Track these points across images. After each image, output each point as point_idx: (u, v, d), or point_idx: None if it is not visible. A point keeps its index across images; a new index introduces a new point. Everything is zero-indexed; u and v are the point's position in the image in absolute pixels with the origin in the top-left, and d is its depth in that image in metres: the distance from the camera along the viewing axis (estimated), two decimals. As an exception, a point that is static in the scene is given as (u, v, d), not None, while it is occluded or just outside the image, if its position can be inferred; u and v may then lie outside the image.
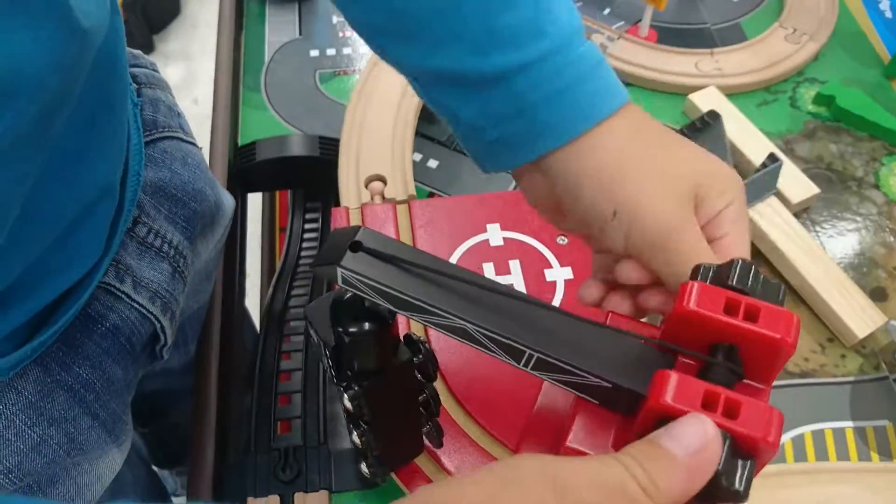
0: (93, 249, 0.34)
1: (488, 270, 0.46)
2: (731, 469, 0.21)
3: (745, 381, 0.24)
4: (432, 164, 0.63)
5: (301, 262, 0.66)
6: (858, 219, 0.60)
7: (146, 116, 0.43)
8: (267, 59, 0.70)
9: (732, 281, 0.24)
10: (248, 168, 0.60)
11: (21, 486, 0.35)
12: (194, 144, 0.47)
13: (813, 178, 0.60)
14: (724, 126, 0.59)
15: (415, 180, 0.61)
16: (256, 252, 0.79)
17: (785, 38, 0.70)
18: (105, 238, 0.35)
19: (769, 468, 0.44)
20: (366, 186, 0.50)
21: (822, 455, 0.48)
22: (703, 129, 0.61)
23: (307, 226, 0.69)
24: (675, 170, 0.30)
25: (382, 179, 0.50)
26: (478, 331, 0.25)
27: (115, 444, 0.40)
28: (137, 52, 0.46)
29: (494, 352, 0.25)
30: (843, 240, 0.59)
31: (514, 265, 0.46)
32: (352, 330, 0.26)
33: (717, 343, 0.24)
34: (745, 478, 0.21)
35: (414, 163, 0.62)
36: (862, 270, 0.57)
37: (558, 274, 0.45)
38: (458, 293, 0.25)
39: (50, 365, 0.35)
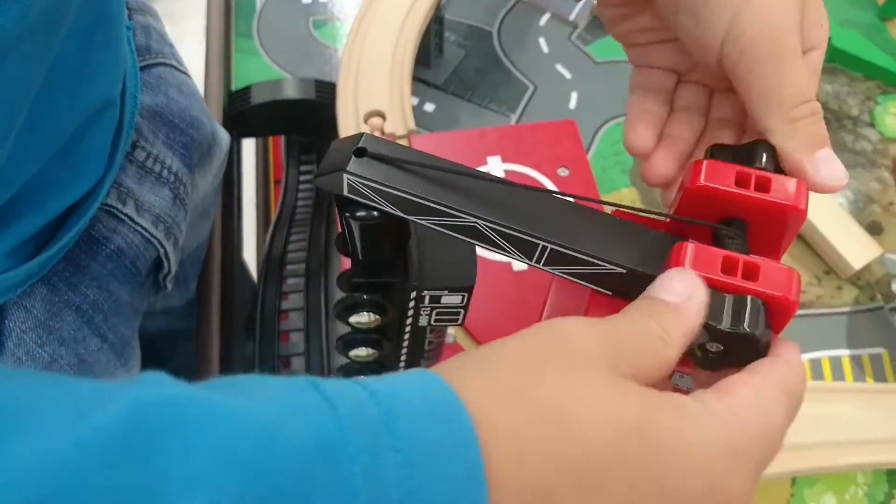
0: (95, 165, 0.34)
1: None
2: (741, 318, 0.22)
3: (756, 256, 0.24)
4: (429, 107, 0.62)
5: (298, 209, 0.66)
6: (854, 156, 0.60)
7: (139, 42, 0.42)
8: (259, 5, 0.69)
9: (752, 161, 0.24)
10: (243, 112, 0.59)
11: None
12: (187, 74, 0.46)
13: (809, 117, 0.60)
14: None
15: (412, 124, 0.61)
16: (251, 205, 0.78)
17: (780, -20, 0.70)
18: (107, 154, 0.35)
19: None
20: (365, 122, 0.49)
21: (819, 381, 0.49)
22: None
23: (303, 177, 0.69)
24: None
25: (382, 115, 0.50)
26: (489, 227, 0.25)
27: (125, 368, 0.40)
28: None
29: (506, 250, 0.25)
30: (839, 177, 0.59)
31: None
32: (359, 214, 0.26)
33: (728, 218, 0.24)
34: (754, 319, 0.21)
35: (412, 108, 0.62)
36: (858, 206, 0.58)
37: (560, 204, 0.46)
38: (466, 191, 0.25)
39: (57, 284, 0.35)
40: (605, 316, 0.25)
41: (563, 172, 0.47)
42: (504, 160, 0.48)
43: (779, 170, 0.25)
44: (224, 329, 0.51)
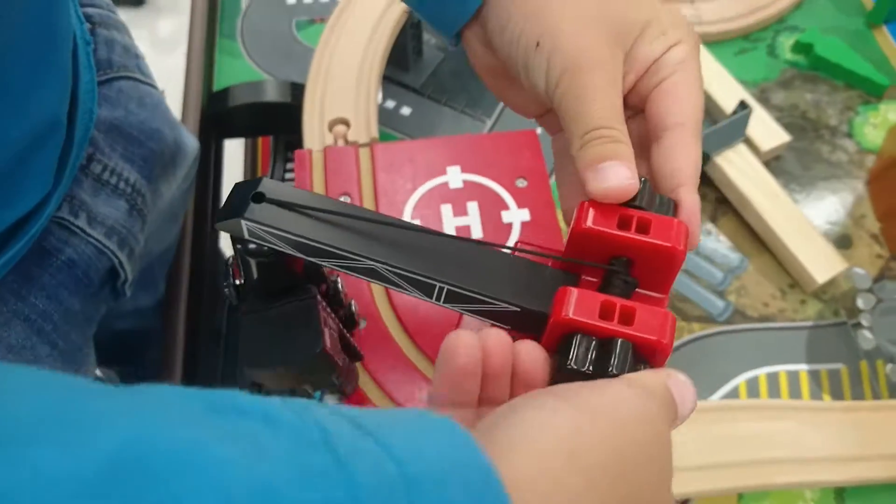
0: (40, 184, 0.35)
1: (446, 212, 0.46)
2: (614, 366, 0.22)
3: (644, 291, 0.25)
4: (405, 111, 0.63)
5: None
6: (829, 167, 0.60)
7: (100, 56, 0.43)
8: (244, 6, 0.70)
9: (637, 200, 0.25)
10: (221, 113, 0.60)
11: None
12: (152, 86, 0.47)
13: (786, 126, 0.60)
14: (696, 73, 0.59)
15: (388, 128, 0.62)
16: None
17: (767, -15, 0.69)
18: (53, 172, 0.36)
19: (713, 403, 0.46)
20: (329, 129, 0.50)
21: (775, 396, 0.49)
22: (676, 76, 0.60)
23: (287, 175, 0.70)
24: (607, 8, 0.28)
25: (346, 122, 0.51)
26: (387, 269, 0.25)
27: (77, 373, 0.41)
28: None
29: (406, 289, 0.26)
30: (813, 188, 0.59)
31: (472, 207, 0.46)
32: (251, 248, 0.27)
33: (614, 257, 0.25)
34: (622, 362, 0.22)
35: (387, 110, 0.63)
36: (829, 218, 0.57)
37: (515, 216, 0.46)
38: (364, 234, 0.25)
39: (5, 296, 0.36)
40: None
41: (521, 183, 0.48)
42: (463, 170, 0.48)
43: (662, 205, 0.25)
44: (190, 333, 0.52)
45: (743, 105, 0.57)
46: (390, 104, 0.63)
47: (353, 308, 0.38)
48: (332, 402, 0.36)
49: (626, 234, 0.24)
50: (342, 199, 0.48)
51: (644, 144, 0.29)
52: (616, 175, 0.25)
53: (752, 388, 0.49)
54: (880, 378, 0.50)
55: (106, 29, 0.44)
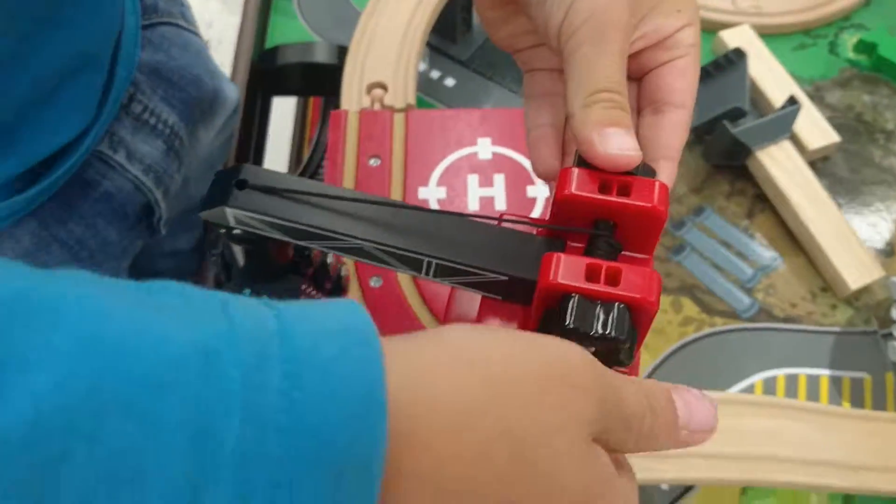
0: (81, 114, 0.37)
1: (472, 182, 0.47)
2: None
3: (629, 253, 0.25)
4: (449, 82, 0.63)
5: (320, 167, 0.68)
6: (878, 172, 0.58)
7: (147, 2, 0.45)
8: (303, -33, 0.71)
9: None
10: (270, 71, 0.62)
11: None
12: (195, 34, 0.49)
13: (838, 127, 0.58)
14: (747, 65, 0.58)
15: (430, 97, 0.62)
16: (284, 161, 0.82)
17: (836, -20, 0.66)
18: (95, 106, 0.38)
19: (722, 395, 0.45)
20: (367, 92, 0.51)
21: (791, 398, 0.48)
22: (727, 67, 0.59)
23: (331, 137, 0.72)
24: None
25: (384, 87, 0.51)
26: (374, 247, 0.25)
27: None
28: None
29: (395, 266, 0.26)
30: (859, 193, 0.57)
31: (499, 179, 0.47)
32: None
33: (598, 221, 0.25)
34: (620, 324, 0.22)
35: (431, 80, 0.63)
36: (874, 225, 0.56)
37: (540, 191, 0.46)
38: (350, 215, 0.26)
39: (47, 220, 0.39)
40: (495, 316, 0.26)
41: (550, 160, 0.48)
42: (494, 143, 0.48)
43: (647, 171, 0.25)
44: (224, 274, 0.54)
45: (792, 101, 0.55)
46: (435, 74, 0.63)
47: (342, 273, 0.38)
48: None
49: (609, 198, 0.24)
50: (372, 161, 0.49)
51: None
52: (622, 144, 0.25)
53: (769, 389, 0.48)
54: (906, 392, 0.49)
55: None
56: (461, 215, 0.26)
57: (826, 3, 0.65)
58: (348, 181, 0.48)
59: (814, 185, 0.54)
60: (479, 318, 0.27)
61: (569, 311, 0.23)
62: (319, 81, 0.64)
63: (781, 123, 0.55)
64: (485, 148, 0.48)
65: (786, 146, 0.55)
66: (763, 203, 0.56)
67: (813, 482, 0.42)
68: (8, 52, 0.32)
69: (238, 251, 0.28)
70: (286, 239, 0.26)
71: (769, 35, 0.64)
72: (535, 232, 0.27)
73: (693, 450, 0.41)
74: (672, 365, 0.49)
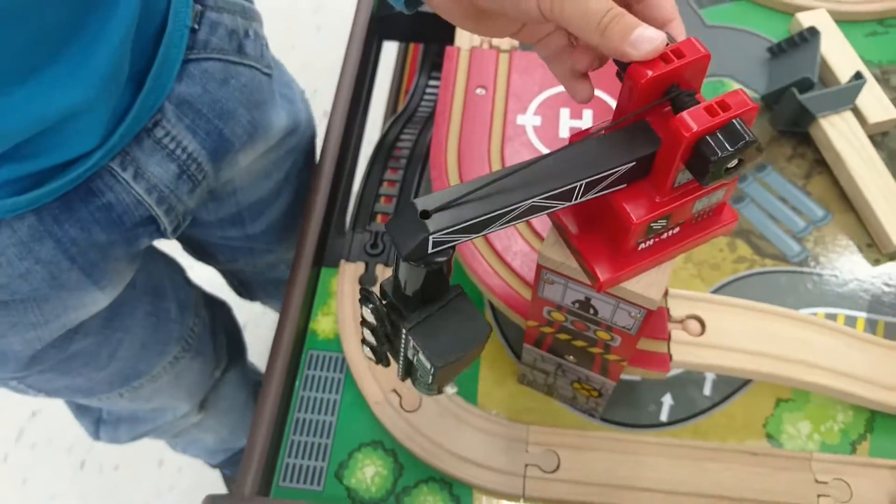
0: (94, 135, 0.42)
1: (564, 114, 0.54)
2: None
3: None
4: (544, 39, 0.71)
5: (417, 111, 0.76)
6: (934, 150, 0.63)
7: (200, 37, 0.48)
8: (420, -69, 0.79)
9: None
10: (386, 17, 0.70)
11: (13, 299, 0.45)
12: (249, 66, 0.52)
13: (900, 107, 0.63)
14: (819, 42, 0.63)
15: (528, 48, 0.69)
16: (382, 104, 0.90)
17: (913, -24, 0.71)
18: (109, 128, 0.42)
19: (754, 304, 0.51)
20: (478, 33, 0.59)
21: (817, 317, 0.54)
22: (800, 43, 0.65)
23: (430, 83, 0.80)
24: None
25: (493, 29, 0.59)
26: (540, 199, 0.30)
27: (96, 285, 0.48)
28: None
29: (553, 206, 0.31)
30: (912, 166, 0.62)
31: (587, 113, 0.54)
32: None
33: (669, 88, 0.31)
34: (748, 132, 0.28)
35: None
36: (922, 195, 0.61)
37: (623, 126, 0.53)
38: (510, 188, 0.30)
39: (45, 217, 0.43)
40: (639, 203, 0.32)
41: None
42: (586, 83, 0.55)
43: (669, 39, 0.31)
44: (335, 187, 0.62)
45: (858, 75, 0.61)
46: (531, 32, 0.71)
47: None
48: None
49: (677, 64, 0.30)
50: (478, 91, 0.56)
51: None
52: (650, 38, 0.30)
53: (809, 323, 0.54)
54: (936, 339, 0.54)
55: (216, 12, 0.49)
56: (572, 142, 0.32)
57: (901, -4, 0.70)
58: (457, 106, 0.56)
59: (870, 151, 0.59)
60: (621, 206, 0.32)
61: (717, 144, 0.28)
62: (428, 28, 0.72)
63: (846, 95, 0.61)
64: (577, 86, 0.55)
65: (847, 116, 0.61)
66: (821, 167, 0.62)
67: (839, 387, 0.48)
68: (38, 90, 0.36)
69: (420, 276, 0.31)
70: (473, 237, 0.30)
71: (843, 21, 0.69)
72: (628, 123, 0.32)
73: (735, 346, 0.47)
74: (723, 295, 0.55)
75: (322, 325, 0.57)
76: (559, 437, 0.50)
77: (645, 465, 0.49)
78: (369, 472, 0.51)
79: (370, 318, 0.34)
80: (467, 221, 0.29)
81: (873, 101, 0.62)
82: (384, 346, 0.36)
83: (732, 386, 0.53)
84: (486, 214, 0.29)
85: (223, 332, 0.79)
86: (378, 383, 0.52)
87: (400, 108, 0.81)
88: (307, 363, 0.55)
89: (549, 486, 0.48)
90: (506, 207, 0.30)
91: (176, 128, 0.47)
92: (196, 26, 0.47)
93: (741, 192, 0.61)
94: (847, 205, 0.60)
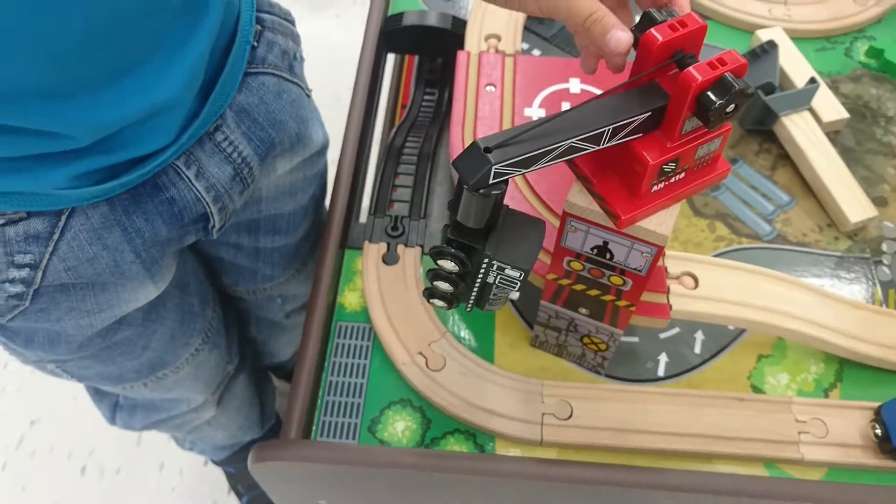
0: (164, 135, 0.46)
1: (565, 107, 0.61)
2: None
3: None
4: (536, 52, 0.79)
5: (418, 119, 0.83)
6: (879, 145, 0.72)
7: (258, 53, 0.53)
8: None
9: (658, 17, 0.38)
10: (393, 31, 0.77)
11: (77, 283, 0.48)
12: (297, 84, 0.58)
13: (848, 110, 0.72)
14: (778, 53, 0.72)
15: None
16: (381, 114, 0.97)
17: (853, 1, 0.81)
18: (174, 134, 0.47)
19: (740, 264, 0.58)
20: (485, 40, 0.66)
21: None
22: (761, 55, 0.74)
23: (426, 96, 0.87)
24: None
25: (498, 37, 0.66)
26: (578, 141, 0.36)
27: (152, 280, 0.53)
28: (276, 3, 0.56)
29: (586, 148, 0.37)
30: (862, 159, 0.71)
31: (585, 107, 0.61)
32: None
33: (674, 53, 0.38)
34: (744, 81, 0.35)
35: (522, 51, 0.78)
36: (871, 182, 0.69)
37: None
38: (552, 131, 0.36)
39: (116, 207, 0.47)
40: (654, 148, 0.38)
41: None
42: (582, 82, 0.63)
43: (671, 13, 0.38)
44: (354, 182, 0.68)
45: (812, 80, 0.70)
46: (525, 45, 0.79)
47: None
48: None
49: (681, 32, 0.37)
50: (488, 88, 0.63)
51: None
52: (619, 38, 0.39)
53: (782, 291, 0.62)
54: (890, 303, 0.62)
55: (272, 33, 0.54)
56: (603, 94, 0.38)
57: (845, 17, 0.80)
58: (471, 101, 0.63)
59: (826, 145, 0.68)
60: (639, 153, 0.39)
61: (714, 95, 0.35)
62: (432, 42, 0.79)
63: (803, 96, 0.69)
64: (575, 85, 0.63)
65: (805, 115, 0.70)
66: (784, 160, 0.70)
67: (816, 334, 0.55)
68: (132, 87, 0.41)
69: (489, 202, 0.36)
70: (523, 171, 0.35)
71: (796, 38, 0.78)
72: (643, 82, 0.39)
73: (725, 297, 0.54)
74: (707, 267, 0.62)
75: (349, 299, 0.62)
76: (571, 389, 0.55)
77: (647, 412, 0.55)
78: (400, 427, 0.56)
79: (450, 266, 0.39)
80: (521, 156, 0.35)
81: (826, 104, 0.71)
82: (458, 290, 0.41)
83: (719, 344, 0.59)
84: (535, 151, 0.36)
85: (235, 327, 0.82)
86: (405, 347, 0.57)
87: (398, 117, 0.87)
88: (337, 333, 0.60)
89: (564, 432, 0.53)
90: (550, 145, 0.36)
91: (234, 133, 0.52)
92: (255, 43, 0.53)
93: (718, 183, 0.69)
94: (809, 191, 0.68)
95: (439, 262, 0.40)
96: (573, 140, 0.37)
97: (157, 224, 0.50)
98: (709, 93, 0.36)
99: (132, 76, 0.41)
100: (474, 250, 0.39)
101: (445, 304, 0.43)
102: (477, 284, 0.41)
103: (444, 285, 0.42)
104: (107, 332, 0.56)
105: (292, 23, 0.58)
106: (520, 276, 0.39)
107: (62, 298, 0.49)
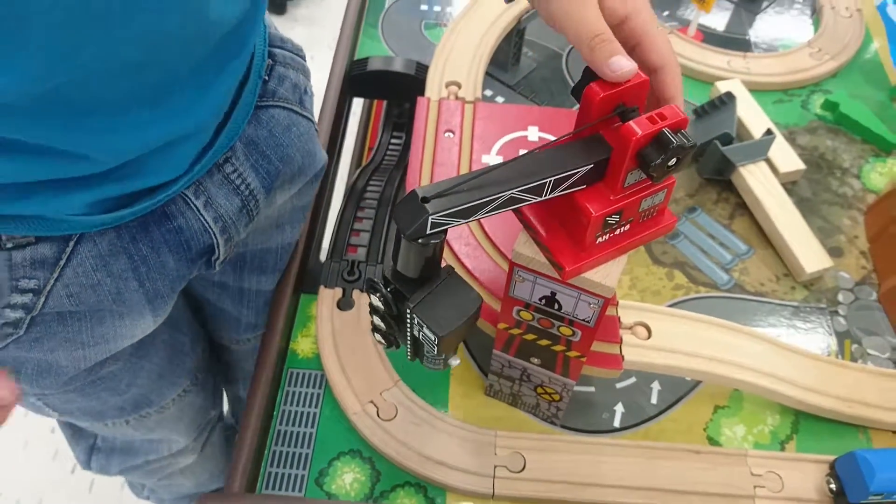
0: (172, 169, 0.46)
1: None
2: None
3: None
4: (500, 99, 0.79)
5: (383, 162, 0.83)
6: (835, 196, 0.73)
7: (269, 86, 0.53)
8: (387, 4, 0.88)
9: None
10: (358, 76, 0.78)
11: (78, 311, 0.47)
12: (306, 117, 0.58)
13: (805, 161, 0.73)
14: (735, 105, 0.74)
15: (483, 110, 0.78)
16: (348, 153, 0.97)
17: (810, 55, 0.83)
18: (186, 165, 0.47)
19: (694, 315, 0.58)
20: (445, 87, 0.66)
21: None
22: (720, 106, 0.75)
23: (392, 141, 0.87)
24: None
25: (458, 84, 0.67)
26: (518, 192, 0.36)
27: (152, 312, 0.52)
28: (288, 38, 0.57)
29: (527, 199, 0.37)
30: (819, 210, 0.72)
31: (543, 154, 0.62)
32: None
33: (617, 105, 0.38)
34: (686, 135, 0.35)
35: (485, 97, 0.79)
36: (827, 233, 0.70)
37: (574, 166, 0.61)
38: (494, 181, 0.36)
39: (123, 234, 0.47)
40: (597, 200, 0.38)
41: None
42: (540, 130, 0.63)
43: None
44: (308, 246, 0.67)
45: (769, 132, 0.71)
46: (488, 92, 0.79)
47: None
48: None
49: (622, 87, 0.37)
50: (447, 134, 0.64)
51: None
52: (622, 65, 0.38)
53: (739, 341, 0.61)
54: (846, 354, 0.62)
55: (284, 67, 0.54)
56: (547, 144, 0.38)
57: (802, 71, 0.82)
58: (429, 147, 0.63)
59: (782, 195, 0.69)
60: (583, 204, 0.38)
61: (655, 149, 0.35)
62: (396, 87, 0.79)
63: (760, 147, 0.70)
64: (533, 133, 0.63)
65: (762, 166, 0.71)
66: (742, 209, 0.71)
67: (767, 386, 0.54)
68: (160, 115, 0.41)
69: (422, 255, 0.36)
70: (463, 221, 0.35)
71: (754, 90, 0.80)
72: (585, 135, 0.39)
73: (677, 348, 0.54)
74: (664, 316, 0.62)
75: (302, 345, 0.61)
76: (525, 440, 0.54)
77: (602, 464, 0.53)
78: (348, 479, 0.54)
79: (378, 304, 0.39)
80: (459, 206, 0.35)
81: (782, 154, 0.72)
82: (393, 330, 0.41)
83: (676, 394, 0.59)
84: (474, 201, 0.35)
85: (221, 374, 0.81)
86: (356, 396, 0.56)
87: (364, 160, 0.87)
88: (288, 380, 0.59)
89: (517, 485, 0.52)
90: (490, 196, 0.36)
91: (243, 165, 0.52)
92: (266, 77, 0.53)
93: (677, 231, 0.69)
94: (766, 241, 0.69)
95: (370, 295, 0.39)
96: (514, 191, 0.36)
97: (164, 253, 0.49)
98: (648, 148, 0.36)
99: (164, 104, 0.41)
100: (404, 298, 0.38)
101: (384, 343, 0.42)
102: (408, 334, 0.40)
103: (377, 320, 0.41)
104: (94, 365, 0.55)
105: (303, 58, 0.59)
106: (434, 340, 0.37)
107: (58, 329, 0.48)
